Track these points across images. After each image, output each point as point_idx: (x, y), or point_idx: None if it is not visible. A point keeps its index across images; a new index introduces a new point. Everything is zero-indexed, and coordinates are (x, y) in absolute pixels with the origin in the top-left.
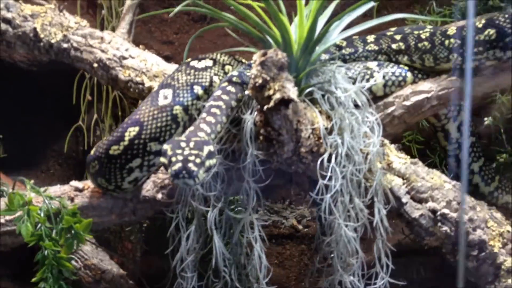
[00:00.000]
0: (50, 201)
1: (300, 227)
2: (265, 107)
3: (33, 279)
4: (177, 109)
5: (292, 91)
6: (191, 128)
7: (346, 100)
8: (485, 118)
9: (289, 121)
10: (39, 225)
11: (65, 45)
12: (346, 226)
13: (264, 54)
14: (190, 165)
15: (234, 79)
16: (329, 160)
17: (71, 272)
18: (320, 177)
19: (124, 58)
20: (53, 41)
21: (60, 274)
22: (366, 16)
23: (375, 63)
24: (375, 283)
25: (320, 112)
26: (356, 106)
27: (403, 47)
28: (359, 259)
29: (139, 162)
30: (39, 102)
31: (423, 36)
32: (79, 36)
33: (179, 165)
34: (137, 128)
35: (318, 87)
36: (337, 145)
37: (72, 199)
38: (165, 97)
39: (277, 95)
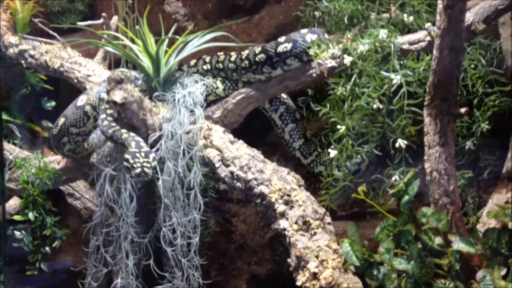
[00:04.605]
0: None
1: None
2: (104, 105)
3: (20, 204)
4: (88, 108)
5: (118, 97)
6: (136, 139)
7: (181, 100)
8: None
9: (135, 113)
10: (30, 175)
11: (61, 69)
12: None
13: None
14: (145, 169)
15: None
16: (160, 138)
17: (48, 204)
18: (150, 147)
19: (89, 76)
20: (55, 67)
21: (41, 204)
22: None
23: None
24: None
25: (167, 108)
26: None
27: (221, 67)
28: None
29: (66, 139)
30: None
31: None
32: (69, 63)
33: (139, 170)
34: (63, 119)
35: (170, 91)
36: (167, 128)
37: (58, 163)
38: (81, 100)
39: (108, 98)
